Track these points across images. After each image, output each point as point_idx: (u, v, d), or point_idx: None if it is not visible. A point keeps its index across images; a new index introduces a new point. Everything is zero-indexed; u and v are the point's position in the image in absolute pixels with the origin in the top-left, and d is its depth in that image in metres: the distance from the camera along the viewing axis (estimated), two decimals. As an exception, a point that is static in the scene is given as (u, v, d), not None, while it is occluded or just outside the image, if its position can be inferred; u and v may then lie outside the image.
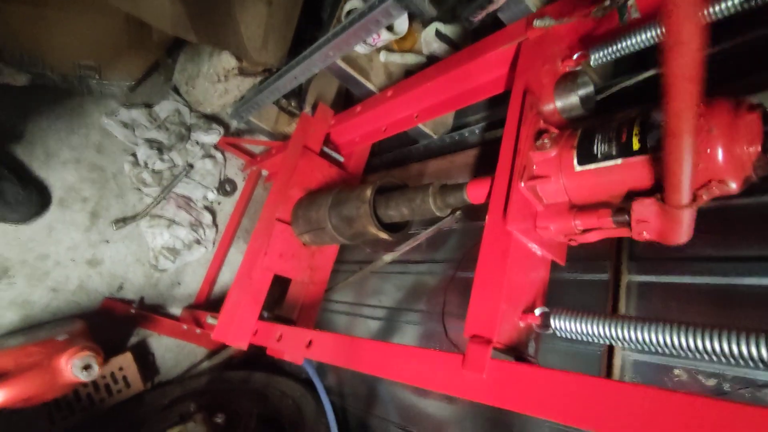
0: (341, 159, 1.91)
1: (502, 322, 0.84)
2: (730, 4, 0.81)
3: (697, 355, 0.66)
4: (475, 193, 1.08)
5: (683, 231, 0.73)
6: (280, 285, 1.87)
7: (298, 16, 1.82)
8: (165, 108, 2.13)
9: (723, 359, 0.63)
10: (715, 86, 1.24)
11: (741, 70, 1.18)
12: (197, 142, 2.21)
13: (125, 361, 1.90)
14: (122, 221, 2.02)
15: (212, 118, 2.30)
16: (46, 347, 1.46)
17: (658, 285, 1.19)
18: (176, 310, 2.23)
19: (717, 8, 0.82)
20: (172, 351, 2.19)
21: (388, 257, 1.91)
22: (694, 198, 0.71)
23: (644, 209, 0.76)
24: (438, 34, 1.69)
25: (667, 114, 0.61)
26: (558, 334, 0.84)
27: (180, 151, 2.14)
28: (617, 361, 1.15)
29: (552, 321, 0.83)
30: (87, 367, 1.48)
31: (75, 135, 1.95)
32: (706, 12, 0.84)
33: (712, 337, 0.63)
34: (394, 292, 2.00)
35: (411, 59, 1.79)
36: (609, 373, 1.13)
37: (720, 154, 0.69)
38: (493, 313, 0.83)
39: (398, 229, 1.36)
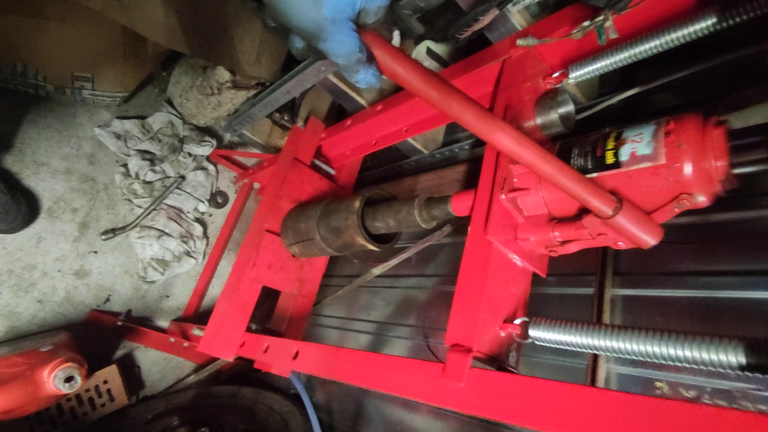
0: (332, 172, 1.93)
1: (482, 332, 0.85)
2: (702, 26, 0.85)
3: (673, 362, 0.67)
4: (459, 205, 1.10)
5: (639, 235, 0.75)
6: (270, 299, 1.87)
7: (292, 32, 1.87)
8: (158, 120, 2.15)
9: (697, 365, 0.65)
10: (690, 106, 1.28)
11: (715, 91, 1.22)
12: (190, 154, 2.23)
13: (110, 374, 1.87)
14: (111, 232, 2.02)
15: (205, 131, 2.33)
16: (29, 358, 1.44)
17: (641, 298, 1.20)
18: (164, 323, 2.22)
19: (687, 31, 0.86)
20: (158, 364, 2.17)
21: (377, 270, 1.92)
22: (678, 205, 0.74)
23: (593, 224, 0.79)
24: (429, 52, 1.73)
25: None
26: (538, 343, 0.85)
27: (172, 162, 2.16)
28: (601, 374, 1.15)
29: (532, 330, 0.84)
30: (70, 379, 1.46)
31: (66, 145, 1.96)
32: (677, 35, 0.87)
33: (686, 344, 0.65)
34: (384, 306, 2.00)
35: (401, 76, 1.83)
36: (593, 385, 1.14)
37: (689, 168, 0.72)
38: (473, 322, 0.84)
39: (386, 241, 1.38)
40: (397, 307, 1.95)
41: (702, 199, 0.74)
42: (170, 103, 2.22)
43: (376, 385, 0.96)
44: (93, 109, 2.03)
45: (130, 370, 2.05)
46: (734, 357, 0.60)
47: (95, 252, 2.00)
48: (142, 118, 2.16)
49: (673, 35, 0.86)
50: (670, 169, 0.73)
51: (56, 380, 1.44)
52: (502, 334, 0.89)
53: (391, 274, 1.98)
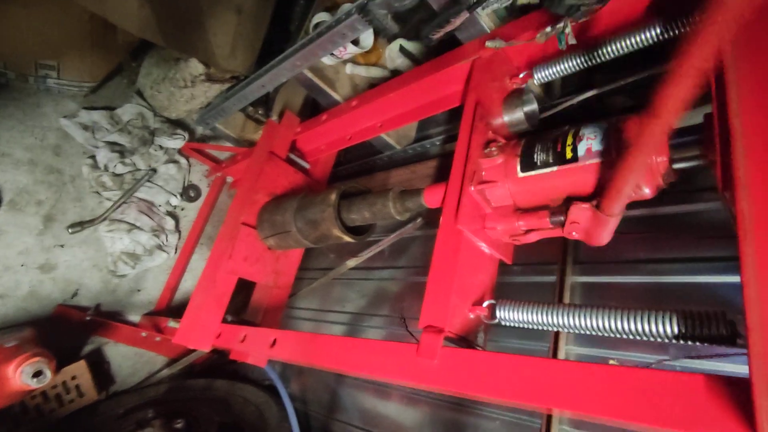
0: (307, 166, 1.96)
1: (453, 314, 0.91)
2: (648, 36, 0.94)
3: (621, 335, 0.75)
4: (431, 197, 1.17)
5: (606, 235, 0.84)
6: (244, 293, 1.88)
7: (267, 26, 1.88)
8: (128, 111, 2.11)
9: (640, 336, 0.73)
10: (641, 107, 1.39)
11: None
12: (161, 147, 2.20)
13: (79, 370, 1.84)
14: (79, 225, 1.97)
15: (177, 123, 2.30)
16: (-5, 353, 1.41)
17: (598, 285, 1.31)
18: (135, 318, 2.19)
19: (636, 40, 0.95)
20: (129, 359, 2.14)
21: (351, 263, 1.96)
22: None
23: (580, 212, 0.86)
24: (402, 50, 1.79)
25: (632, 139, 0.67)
26: (504, 323, 0.92)
27: (143, 155, 2.13)
28: (561, 355, 1.25)
29: (499, 311, 0.91)
30: (38, 374, 1.44)
31: (30, 135, 1.90)
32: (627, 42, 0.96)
33: (629, 318, 0.73)
34: (358, 298, 2.05)
35: (376, 73, 1.88)
36: (553, 363, 1.23)
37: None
38: (445, 304, 0.91)
39: (361, 233, 1.43)
40: (371, 298, 2.00)
41: (647, 191, 0.83)
42: (140, 94, 2.18)
43: (353, 367, 1.01)
44: (58, 98, 1.98)
45: (99, 366, 2.01)
46: (670, 327, 0.69)
47: (62, 246, 1.95)
48: (111, 109, 2.11)
49: (624, 43, 0.95)
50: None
51: (24, 375, 1.42)
52: (471, 316, 0.96)
53: (364, 266, 2.03)
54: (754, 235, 0.51)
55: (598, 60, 0.99)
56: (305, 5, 2.02)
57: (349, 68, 1.85)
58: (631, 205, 1.27)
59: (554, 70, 1.08)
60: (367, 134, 1.70)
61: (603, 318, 0.75)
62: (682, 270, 1.16)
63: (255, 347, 1.33)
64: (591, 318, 0.76)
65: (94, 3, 1.35)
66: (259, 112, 2.21)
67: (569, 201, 0.90)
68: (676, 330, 0.68)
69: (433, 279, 0.96)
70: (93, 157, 2.05)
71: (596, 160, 0.84)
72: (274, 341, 1.25)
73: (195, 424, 1.75)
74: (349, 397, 1.89)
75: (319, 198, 1.41)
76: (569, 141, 0.90)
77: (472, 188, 0.98)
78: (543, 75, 1.11)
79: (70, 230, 1.96)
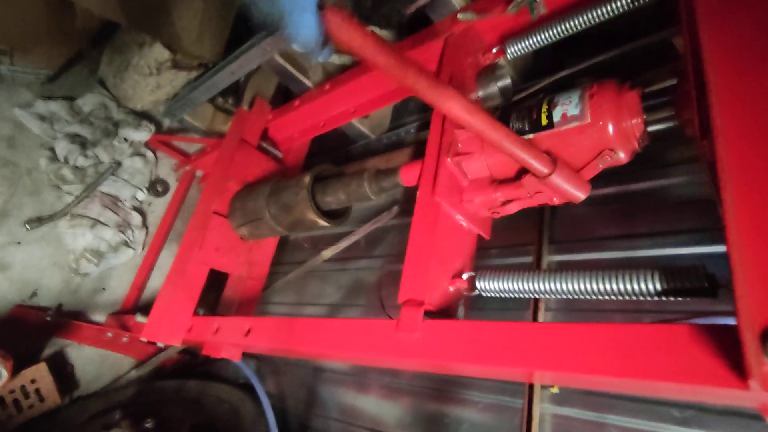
0: (280, 155, 1.92)
1: (432, 287, 0.89)
2: (618, 4, 0.95)
3: (603, 296, 0.75)
4: (407, 175, 1.15)
5: (570, 191, 0.83)
6: (217, 289, 1.82)
7: (235, 12, 1.82)
8: (89, 101, 2.01)
9: (623, 296, 0.73)
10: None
11: (631, 72, 1.37)
12: (125, 139, 2.11)
13: (38, 373, 1.72)
14: (37, 221, 1.86)
15: (142, 115, 2.21)
16: (-56, 354, 1.30)
17: (573, 262, 1.32)
18: (100, 318, 2.08)
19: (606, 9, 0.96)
20: (94, 362, 2.03)
21: (327, 253, 1.93)
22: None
23: (532, 184, 0.87)
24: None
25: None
26: (485, 294, 0.91)
27: (106, 147, 2.03)
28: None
29: (478, 282, 0.90)
30: (-7, 375, 1.34)
31: (-18, 126, 1.79)
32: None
33: (612, 278, 0.73)
34: (335, 291, 2.01)
35: (348, 60, 1.85)
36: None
37: (609, 126, 0.81)
38: (424, 277, 0.89)
39: (337, 217, 1.40)
40: (348, 290, 1.97)
41: (622, 156, 0.83)
42: (103, 84, 2.08)
43: (333, 349, 0.98)
44: (11, 87, 1.86)
45: (61, 369, 1.90)
46: (652, 284, 0.69)
47: (18, 243, 1.84)
48: (71, 99, 2.01)
49: (596, 12, 0.96)
50: (594, 127, 0.82)
51: (-23, 377, 1.32)
52: (451, 288, 0.94)
53: (340, 257, 2.00)
54: (733, 176, 0.51)
55: (571, 31, 1.00)
56: (275, -9, 1.98)
57: (321, 54, 1.82)
58: (603, 183, 1.30)
59: (526, 43, 1.08)
60: (340, 120, 1.67)
61: (585, 280, 0.74)
62: (656, 244, 1.18)
63: (229, 338, 1.28)
64: (573, 282, 0.76)
65: (49, -21, 1.27)
66: (229, 102, 2.15)
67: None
68: (658, 286, 0.68)
69: (412, 253, 0.94)
70: (52, 149, 1.94)
71: (572, 125, 0.83)
72: (249, 330, 1.20)
73: (165, 424, 1.67)
74: (327, 392, 1.85)
75: (292, 181, 1.38)
76: (544, 108, 0.90)
77: (449, 160, 0.97)
78: (515, 49, 1.11)
79: (27, 226, 1.85)
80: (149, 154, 2.25)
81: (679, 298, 0.68)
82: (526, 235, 1.43)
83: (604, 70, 1.45)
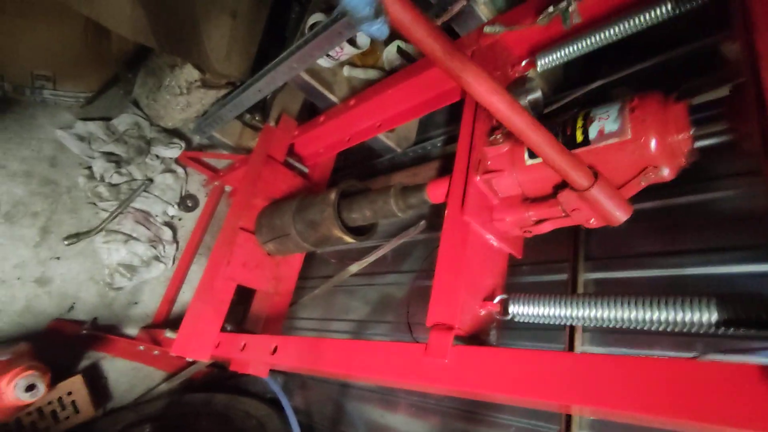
0: (306, 170, 1.92)
1: (462, 310, 0.86)
2: (659, 12, 0.90)
3: (648, 326, 0.69)
4: (435, 192, 1.12)
5: (611, 209, 0.78)
6: (244, 304, 1.83)
7: (262, 31, 1.86)
8: (124, 121, 2.08)
9: (670, 327, 0.67)
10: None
11: (672, 82, 1.29)
12: (157, 156, 2.17)
13: (74, 386, 1.77)
14: (75, 237, 1.93)
15: (173, 132, 2.27)
16: (-14, 367, 1.35)
17: (612, 280, 1.25)
18: (132, 331, 2.13)
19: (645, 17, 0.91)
20: (126, 375, 2.07)
21: (353, 268, 1.91)
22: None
23: (569, 199, 0.81)
24: (399, 50, 1.76)
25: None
26: (518, 319, 0.86)
27: (139, 165, 2.09)
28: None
29: (511, 306, 0.86)
30: (31, 388, 1.38)
31: (26, 147, 1.87)
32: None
33: (664, 307, 0.67)
34: (362, 306, 1.99)
35: (373, 75, 1.85)
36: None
37: (653, 142, 0.76)
38: (454, 301, 0.85)
39: (362, 233, 1.38)
40: (375, 305, 1.94)
41: (666, 172, 0.78)
42: (136, 104, 2.15)
43: (359, 371, 0.95)
44: (54, 110, 1.95)
45: (96, 381, 1.95)
46: (707, 314, 0.63)
47: (58, 258, 1.91)
48: (107, 119, 2.09)
49: (632, 21, 0.91)
50: (635, 144, 0.77)
51: (17, 389, 1.36)
52: (482, 312, 0.90)
53: (367, 272, 1.98)
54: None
55: (608, 40, 0.95)
56: (300, 8, 2.00)
57: (346, 70, 1.82)
58: (644, 197, 1.23)
59: (558, 55, 1.04)
60: (366, 134, 1.66)
61: (629, 308, 0.69)
62: (705, 261, 1.10)
63: (256, 355, 1.28)
64: (615, 309, 0.71)
65: (86, 6, 1.32)
66: (256, 118, 2.18)
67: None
68: (715, 317, 0.62)
69: (441, 274, 0.91)
70: (89, 167, 2.01)
71: (611, 141, 0.79)
72: (275, 348, 1.19)
73: (195, 440, 1.68)
74: (354, 408, 1.82)
75: (318, 198, 1.37)
76: (579, 123, 0.85)
77: (478, 178, 0.94)
78: (546, 61, 1.07)
79: (66, 242, 1.92)
80: (180, 170, 2.31)
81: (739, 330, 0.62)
82: (561, 251, 1.36)
83: (641, 80, 1.38)
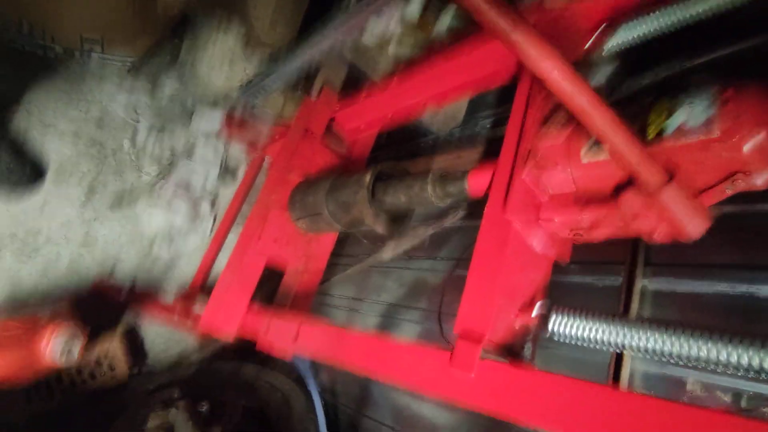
0: (345, 146, 1.85)
1: (496, 318, 0.77)
2: None
3: (718, 367, 0.58)
4: (476, 182, 1.01)
5: (684, 218, 0.65)
6: (275, 280, 1.83)
7: (308, 1, 1.78)
8: (168, 88, 2.09)
9: (745, 372, 0.56)
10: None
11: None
12: (199, 126, 2.17)
13: (112, 345, 1.85)
14: (119, 200, 1.98)
15: (216, 102, 2.26)
16: (27, 323, 1.41)
17: (674, 294, 1.10)
18: (170, 296, 2.19)
19: None
20: (162, 337, 2.15)
21: (387, 254, 1.84)
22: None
23: (632, 203, 0.69)
24: (450, 30, 1.63)
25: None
26: (557, 338, 0.77)
27: (181, 133, 2.10)
28: (625, 372, 1.06)
29: (552, 324, 0.76)
30: (69, 345, 1.43)
31: (74, 108, 1.91)
32: None
33: (736, 347, 0.55)
34: (395, 288, 1.93)
35: (419, 53, 1.73)
36: (615, 385, 1.05)
37: (749, 143, 0.62)
38: (487, 308, 0.76)
39: (396, 220, 1.30)
40: (409, 289, 1.87)
41: (761, 181, 0.64)
42: (181, 72, 2.15)
43: (379, 372, 0.90)
44: (102, 72, 1.97)
45: (133, 342, 2.02)
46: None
47: (101, 220, 1.97)
48: (152, 84, 2.10)
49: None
50: (725, 144, 0.63)
51: (55, 345, 1.41)
52: (518, 323, 0.81)
53: (403, 253, 1.91)
54: None
55: (704, 16, 0.79)
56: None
57: (392, 48, 1.71)
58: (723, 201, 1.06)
59: (635, 32, 0.89)
60: (410, 112, 1.56)
61: (698, 344, 0.58)
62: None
63: (277, 340, 1.25)
64: (680, 342, 0.59)
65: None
66: (299, 90, 2.12)
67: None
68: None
69: (474, 277, 0.82)
70: (134, 131, 2.04)
71: (692, 139, 0.65)
72: (297, 335, 1.15)
73: (220, 407, 1.71)
74: (381, 392, 1.79)
75: (352, 179, 1.30)
76: (653, 117, 0.72)
77: (526, 171, 0.83)
78: (619, 40, 0.92)
79: (109, 204, 1.97)
80: (221, 140, 2.30)
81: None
82: (617, 252, 1.21)
83: (725, 66, 1.18)
